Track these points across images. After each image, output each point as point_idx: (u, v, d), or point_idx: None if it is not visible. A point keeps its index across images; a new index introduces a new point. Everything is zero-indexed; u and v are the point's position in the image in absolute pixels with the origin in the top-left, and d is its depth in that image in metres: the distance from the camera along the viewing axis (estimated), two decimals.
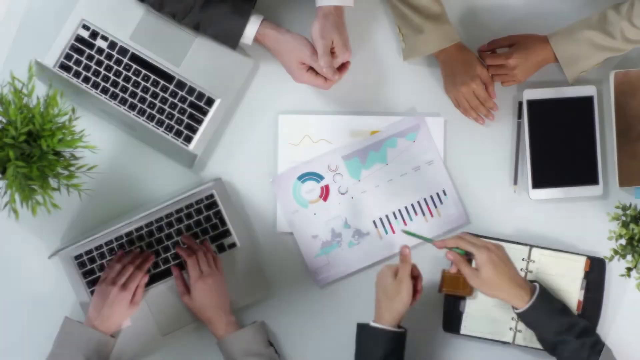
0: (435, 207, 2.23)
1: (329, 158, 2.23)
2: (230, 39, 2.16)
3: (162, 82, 2.20)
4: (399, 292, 2.07)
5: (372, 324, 2.11)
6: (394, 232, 2.22)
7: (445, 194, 2.23)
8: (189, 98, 2.21)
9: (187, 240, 2.19)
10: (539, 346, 2.19)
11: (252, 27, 2.14)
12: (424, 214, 2.23)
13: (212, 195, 2.21)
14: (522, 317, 2.09)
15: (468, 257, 2.10)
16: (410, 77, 2.25)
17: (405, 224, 2.22)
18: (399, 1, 2.15)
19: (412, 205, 2.23)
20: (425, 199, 2.23)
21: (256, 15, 2.15)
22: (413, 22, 2.15)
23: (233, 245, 2.21)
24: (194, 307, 2.16)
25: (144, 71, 2.20)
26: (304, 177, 2.22)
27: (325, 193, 2.22)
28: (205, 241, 2.20)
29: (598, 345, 2.08)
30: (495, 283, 2.07)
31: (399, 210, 2.23)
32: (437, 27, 2.14)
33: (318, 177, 2.22)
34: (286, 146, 2.23)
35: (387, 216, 2.22)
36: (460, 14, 2.25)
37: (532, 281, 2.15)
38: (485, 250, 2.06)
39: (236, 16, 2.13)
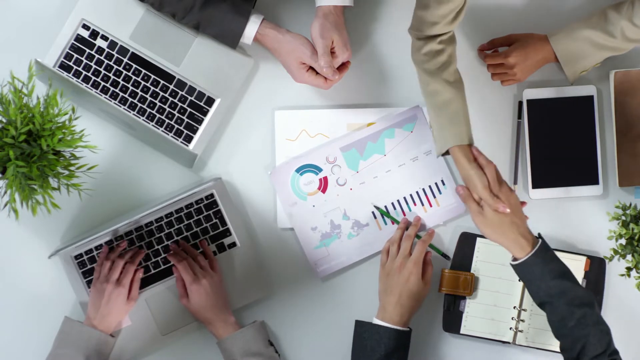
0: (434, 197, 2.23)
1: (327, 150, 2.23)
2: (230, 38, 2.16)
3: (162, 81, 2.20)
4: (409, 282, 2.09)
5: (375, 321, 2.11)
6: (393, 222, 2.22)
7: (443, 183, 2.23)
8: (189, 98, 2.21)
9: (174, 249, 2.19)
10: (539, 346, 2.19)
11: (252, 27, 2.14)
12: (422, 204, 2.23)
13: (212, 195, 2.21)
14: (517, 268, 2.05)
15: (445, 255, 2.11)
16: (405, 68, 2.24)
17: (404, 214, 2.22)
18: (427, 97, 2.11)
19: (411, 195, 2.23)
20: (424, 189, 2.23)
21: (256, 15, 2.15)
22: (432, 117, 2.12)
23: (233, 244, 2.21)
24: (192, 309, 2.16)
25: (144, 71, 2.20)
26: (302, 170, 2.22)
27: (323, 185, 2.22)
28: (202, 242, 2.20)
29: (587, 320, 2.01)
30: (498, 225, 2.05)
31: (398, 201, 2.23)
32: (450, 126, 2.09)
33: (316, 169, 2.23)
34: (283, 142, 2.23)
35: (385, 207, 2.22)
36: None
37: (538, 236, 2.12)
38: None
39: (236, 16, 2.13)
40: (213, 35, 2.17)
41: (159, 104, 2.20)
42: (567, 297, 2.02)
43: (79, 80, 2.19)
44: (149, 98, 2.20)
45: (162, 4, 2.15)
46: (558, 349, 2.19)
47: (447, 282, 2.20)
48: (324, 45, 2.10)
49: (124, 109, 2.20)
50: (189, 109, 2.21)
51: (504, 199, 2.06)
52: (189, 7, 2.13)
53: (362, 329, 2.12)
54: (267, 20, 2.16)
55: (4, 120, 1.85)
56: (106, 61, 2.20)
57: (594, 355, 1.99)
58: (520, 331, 2.20)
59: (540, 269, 2.03)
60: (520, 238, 2.05)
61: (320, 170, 2.23)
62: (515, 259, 2.05)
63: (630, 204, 2.00)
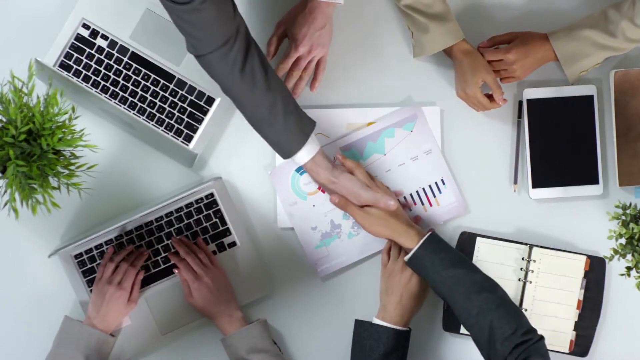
0: (434, 196, 2.23)
1: (327, 150, 2.22)
2: (284, 153, 2.10)
3: (162, 81, 2.20)
4: (411, 283, 2.10)
5: (375, 320, 2.11)
6: None
7: (444, 183, 2.23)
8: (189, 97, 2.21)
9: (177, 245, 2.18)
10: None
11: (308, 153, 2.10)
12: (422, 204, 2.23)
13: (212, 194, 2.21)
14: (411, 264, 2.08)
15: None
16: (405, 67, 2.24)
17: None
18: (402, 5, 2.15)
19: (411, 194, 2.23)
20: (424, 189, 2.23)
21: (314, 142, 2.10)
22: (418, 21, 2.15)
23: (233, 244, 2.21)
24: (198, 306, 2.16)
25: (144, 70, 2.20)
26: (302, 169, 2.21)
27: None
28: (198, 239, 2.19)
29: (489, 304, 2.01)
30: (385, 220, 2.11)
31: (398, 200, 2.22)
32: (440, 25, 2.14)
33: None
34: None
35: None
36: (461, 11, 2.25)
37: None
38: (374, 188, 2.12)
39: (297, 131, 2.07)
40: (269, 142, 2.10)
41: (159, 103, 2.20)
42: (464, 286, 2.03)
43: (79, 80, 2.19)
44: (149, 97, 2.20)
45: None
46: (558, 349, 2.19)
47: None
48: (273, 33, 2.17)
49: (124, 108, 2.20)
50: (189, 109, 2.20)
51: (385, 192, 2.15)
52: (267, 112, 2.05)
53: (362, 328, 2.12)
54: (322, 152, 2.11)
55: (4, 120, 1.85)
56: (106, 60, 2.20)
57: (503, 337, 1.97)
58: None
59: (431, 261, 2.05)
60: (408, 228, 2.11)
61: None
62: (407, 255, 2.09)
63: (630, 204, 2.00)
